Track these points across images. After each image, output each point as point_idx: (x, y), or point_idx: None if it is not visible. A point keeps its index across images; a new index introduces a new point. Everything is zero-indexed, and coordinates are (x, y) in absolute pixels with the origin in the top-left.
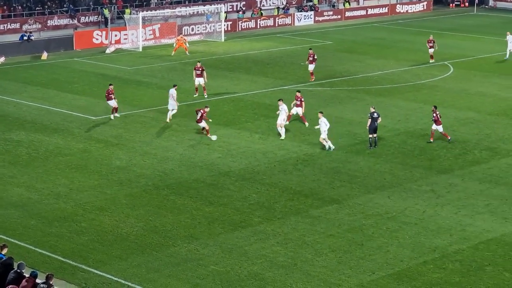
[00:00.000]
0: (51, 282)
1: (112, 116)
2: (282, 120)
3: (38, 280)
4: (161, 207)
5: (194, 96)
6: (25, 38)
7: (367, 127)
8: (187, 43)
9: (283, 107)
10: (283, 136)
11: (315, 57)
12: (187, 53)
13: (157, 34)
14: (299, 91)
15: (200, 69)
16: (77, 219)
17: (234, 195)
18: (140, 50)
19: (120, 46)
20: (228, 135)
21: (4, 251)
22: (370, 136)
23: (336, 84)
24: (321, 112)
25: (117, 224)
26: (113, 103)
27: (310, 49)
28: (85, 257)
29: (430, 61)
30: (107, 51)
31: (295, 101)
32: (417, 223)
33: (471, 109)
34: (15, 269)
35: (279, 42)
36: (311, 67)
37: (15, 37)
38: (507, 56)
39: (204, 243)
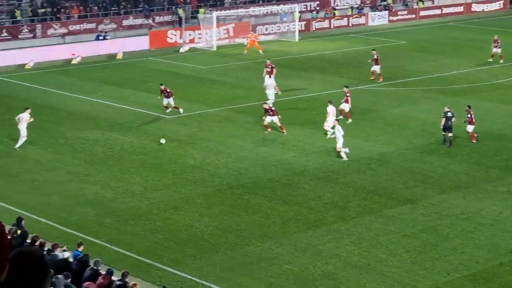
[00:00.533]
0: (126, 280)
1: (180, 110)
2: (330, 122)
3: (113, 277)
4: (235, 206)
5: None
6: (101, 37)
7: (441, 126)
8: (258, 39)
9: (330, 108)
10: (329, 135)
11: (378, 57)
12: (260, 52)
13: (231, 34)
14: (347, 87)
15: (270, 67)
16: (152, 218)
17: (308, 194)
18: (214, 49)
19: (194, 45)
20: (303, 135)
21: (81, 249)
22: (444, 133)
23: (410, 84)
24: (337, 120)
25: (191, 223)
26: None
27: (374, 50)
28: (159, 255)
29: (489, 60)
30: (181, 50)
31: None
32: (493, 224)
33: None
34: (91, 266)
35: (353, 42)
36: (376, 68)
37: (91, 37)
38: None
39: (278, 242)
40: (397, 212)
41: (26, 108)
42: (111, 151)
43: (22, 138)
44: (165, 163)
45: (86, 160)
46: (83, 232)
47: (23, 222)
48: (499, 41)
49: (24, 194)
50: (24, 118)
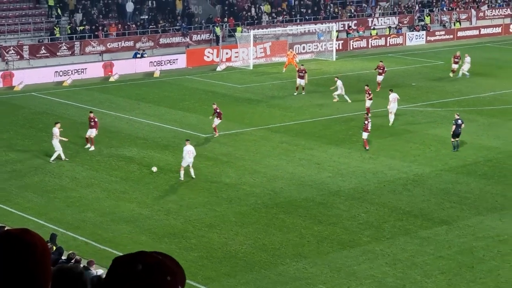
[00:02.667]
0: (91, 269)
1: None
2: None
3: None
4: (270, 225)
5: (294, 94)
6: (139, 55)
7: (451, 132)
8: (297, 59)
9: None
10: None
11: (385, 69)
12: (283, 70)
13: (268, 52)
14: (367, 85)
15: (303, 71)
16: (187, 236)
17: (343, 214)
18: (251, 68)
19: (231, 64)
20: (338, 155)
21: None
22: (453, 140)
23: (447, 105)
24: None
25: (226, 241)
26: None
27: (381, 61)
28: (194, 273)
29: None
30: (218, 68)
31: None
32: None
33: None
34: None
35: (391, 61)
36: (379, 78)
37: (128, 55)
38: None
39: (312, 262)
40: (433, 233)
41: (56, 123)
42: (147, 169)
43: (56, 153)
44: (200, 182)
45: (122, 177)
46: (118, 249)
47: (56, 239)
48: (459, 57)
49: (59, 210)
50: (55, 133)
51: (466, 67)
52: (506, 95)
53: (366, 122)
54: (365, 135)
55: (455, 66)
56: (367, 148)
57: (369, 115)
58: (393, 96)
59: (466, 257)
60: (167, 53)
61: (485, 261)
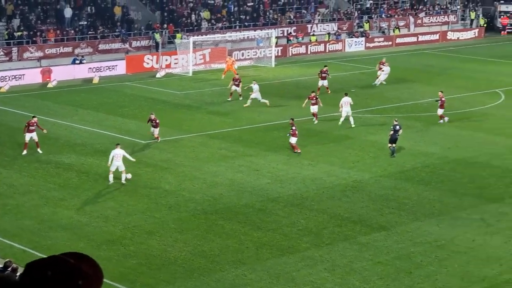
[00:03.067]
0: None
1: (38, 150)
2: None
3: None
4: (210, 231)
5: (228, 100)
6: (77, 61)
7: (389, 138)
8: (236, 65)
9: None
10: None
11: (328, 74)
12: (222, 76)
13: (207, 59)
14: (314, 92)
15: (238, 80)
16: (126, 243)
17: (282, 221)
18: (190, 74)
19: (171, 71)
20: (277, 161)
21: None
22: (390, 145)
23: (386, 111)
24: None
25: (165, 248)
26: (34, 135)
27: (326, 66)
28: (132, 280)
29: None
30: (158, 75)
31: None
32: (467, 252)
33: None
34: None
35: (330, 68)
36: (323, 82)
37: (67, 61)
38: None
39: (251, 268)
40: (371, 239)
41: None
42: (86, 176)
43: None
44: (140, 188)
45: (61, 184)
46: None
47: None
48: (385, 63)
49: None
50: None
51: (383, 77)
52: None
53: (293, 127)
54: (293, 140)
55: (380, 73)
56: (299, 151)
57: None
58: (345, 100)
59: (404, 263)
60: (106, 59)
61: (423, 266)
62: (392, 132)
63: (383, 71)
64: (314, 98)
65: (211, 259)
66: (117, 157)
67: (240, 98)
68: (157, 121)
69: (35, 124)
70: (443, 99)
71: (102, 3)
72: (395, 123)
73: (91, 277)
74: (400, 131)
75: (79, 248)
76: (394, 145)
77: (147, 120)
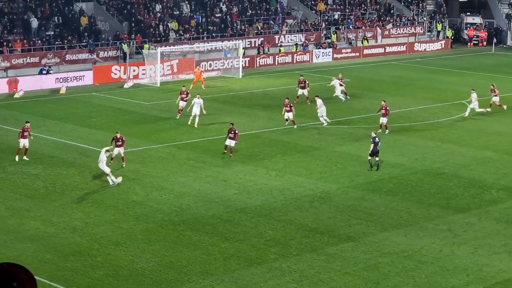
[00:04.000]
0: None
1: (25, 157)
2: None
3: None
4: (177, 242)
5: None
6: (44, 72)
7: (369, 151)
8: (204, 75)
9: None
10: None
11: (306, 82)
12: (203, 87)
13: (175, 70)
14: (288, 98)
15: (185, 93)
16: (93, 254)
17: (250, 232)
18: (158, 85)
19: (138, 81)
20: (245, 172)
21: None
22: (370, 158)
23: (353, 122)
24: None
25: (132, 259)
26: (26, 142)
27: (301, 75)
28: None
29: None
30: (125, 85)
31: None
32: (434, 262)
33: (489, 148)
34: None
35: (297, 79)
36: (303, 92)
37: (34, 71)
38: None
39: (219, 279)
40: (339, 249)
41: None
42: (53, 186)
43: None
44: (107, 199)
45: (27, 195)
46: None
47: None
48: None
49: None
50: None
51: (337, 90)
52: (411, 113)
53: (235, 132)
54: (232, 143)
55: (339, 87)
56: (230, 155)
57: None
58: (320, 102)
59: (372, 273)
60: (73, 70)
61: (390, 277)
62: (372, 145)
63: (341, 85)
64: (289, 106)
65: (178, 270)
66: (102, 162)
67: (204, 112)
68: (123, 139)
69: (28, 130)
70: (386, 108)
71: (69, 13)
72: (374, 135)
73: (25, 280)
74: (379, 144)
75: (46, 259)
76: (377, 158)
77: (111, 139)
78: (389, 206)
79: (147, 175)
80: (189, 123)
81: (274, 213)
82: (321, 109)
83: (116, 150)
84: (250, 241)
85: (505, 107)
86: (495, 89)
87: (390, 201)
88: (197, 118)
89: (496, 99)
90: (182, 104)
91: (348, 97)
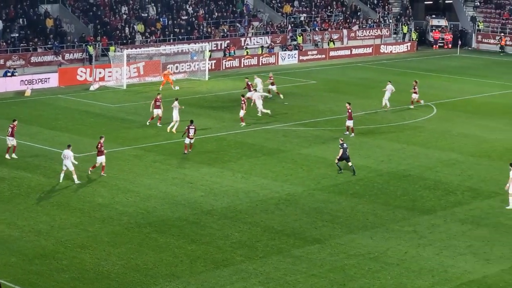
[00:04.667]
0: None
1: (13, 155)
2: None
3: None
4: (143, 245)
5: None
6: (9, 74)
7: (338, 157)
8: (173, 77)
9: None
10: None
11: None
12: (176, 87)
13: (142, 72)
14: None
15: (160, 101)
16: (58, 257)
17: (216, 234)
18: (124, 87)
19: (104, 84)
20: (211, 174)
21: None
22: (337, 163)
23: (319, 124)
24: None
25: (98, 262)
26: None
27: (246, 77)
28: None
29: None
30: (91, 88)
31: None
32: (399, 264)
33: (454, 150)
34: None
35: (264, 81)
36: (273, 87)
37: None
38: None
39: (185, 282)
40: (305, 252)
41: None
42: (17, 189)
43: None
44: (73, 201)
45: None
46: None
47: None
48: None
49: None
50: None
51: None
52: (377, 115)
53: (190, 131)
54: (187, 140)
55: (272, 87)
56: (185, 152)
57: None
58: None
59: (338, 275)
60: (38, 72)
61: (356, 279)
62: (341, 151)
63: (273, 84)
64: (242, 102)
65: (144, 272)
66: (67, 157)
67: (158, 124)
68: (103, 149)
69: (14, 128)
70: (350, 111)
71: (34, 15)
72: (341, 141)
73: None
74: (348, 149)
75: (11, 263)
76: (350, 163)
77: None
78: (355, 208)
79: (113, 178)
80: (168, 130)
81: (240, 215)
82: (258, 102)
83: (98, 160)
84: (216, 243)
85: (422, 102)
86: (416, 86)
87: (356, 203)
88: (176, 124)
89: (415, 96)
90: (156, 111)
91: (282, 96)
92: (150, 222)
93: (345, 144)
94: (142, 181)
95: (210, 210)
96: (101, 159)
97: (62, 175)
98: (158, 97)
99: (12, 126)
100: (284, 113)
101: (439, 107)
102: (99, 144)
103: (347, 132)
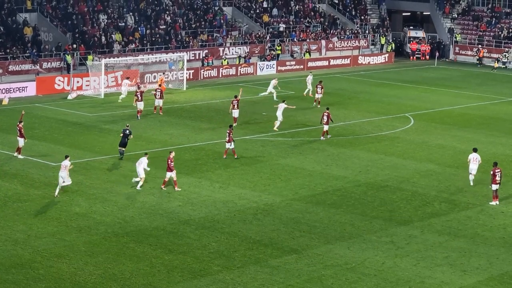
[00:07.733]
0: None
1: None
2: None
3: None
4: (120, 254)
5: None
6: None
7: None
8: (165, 85)
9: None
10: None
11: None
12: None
13: (119, 81)
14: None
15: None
16: (35, 266)
17: (193, 244)
18: (102, 96)
19: (82, 93)
20: (188, 184)
21: None
22: (120, 148)
23: (298, 134)
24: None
25: (75, 271)
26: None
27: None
28: None
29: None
30: (69, 97)
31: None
32: (376, 275)
33: (431, 161)
34: None
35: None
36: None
37: None
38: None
39: None
40: (282, 262)
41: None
42: None
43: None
44: (50, 211)
45: None
46: None
47: None
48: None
49: None
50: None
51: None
52: (355, 125)
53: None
54: (227, 145)
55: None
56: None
57: None
58: (281, 105)
59: (315, 285)
60: (16, 81)
61: None
62: (122, 135)
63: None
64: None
65: (122, 282)
66: (62, 168)
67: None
68: (172, 165)
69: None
70: (326, 116)
71: (13, 23)
72: (126, 127)
73: None
74: (131, 136)
75: None
76: (123, 149)
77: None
78: (333, 219)
79: (90, 187)
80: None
81: (217, 225)
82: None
83: (167, 175)
84: (193, 253)
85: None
86: (322, 86)
87: (333, 213)
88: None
89: (318, 96)
90: (140, 106)
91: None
92: (127, 231)
93: (127, 131)
94: (120, 190)
95: (187, 220)
96: (170, 174)
97: (58, 188)
98: (139, 91)
99: (19, 126)
100: (262, 123)
101: (416, 118)
102: (169, 160)
103: (323, 137)
